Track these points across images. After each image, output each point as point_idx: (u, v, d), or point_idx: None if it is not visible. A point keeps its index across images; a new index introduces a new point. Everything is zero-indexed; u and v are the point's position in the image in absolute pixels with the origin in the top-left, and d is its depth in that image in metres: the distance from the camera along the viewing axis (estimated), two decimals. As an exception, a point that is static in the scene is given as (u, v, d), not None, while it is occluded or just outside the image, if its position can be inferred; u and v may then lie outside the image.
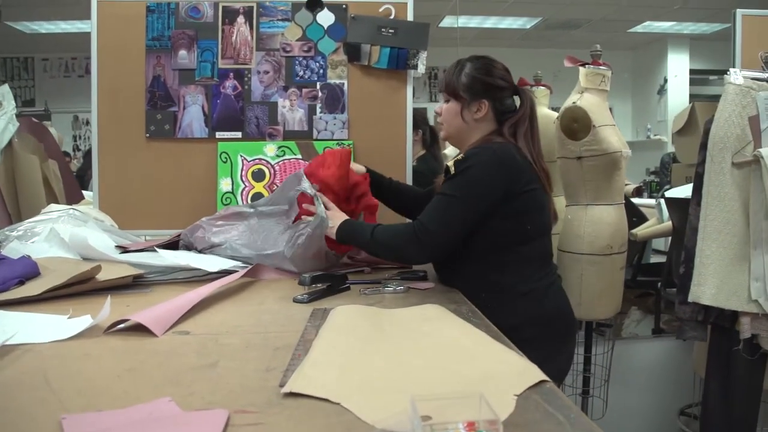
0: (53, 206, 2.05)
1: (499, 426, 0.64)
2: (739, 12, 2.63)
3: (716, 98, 1.99)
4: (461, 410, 0.69)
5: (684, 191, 2.67)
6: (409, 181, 2.40)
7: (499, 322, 1.23)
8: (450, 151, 7.82)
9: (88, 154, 6.17)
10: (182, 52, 2.31)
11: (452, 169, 1.58)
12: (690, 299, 1.89)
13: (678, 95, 9.41)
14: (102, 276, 1.45)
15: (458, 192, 1.56)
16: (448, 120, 1.76)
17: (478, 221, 1.58)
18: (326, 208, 1.71)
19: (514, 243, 1.63)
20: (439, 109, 1.79)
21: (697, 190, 1.96)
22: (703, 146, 1.94)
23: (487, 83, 1.71)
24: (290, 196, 1.79)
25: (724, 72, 1.97)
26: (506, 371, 0.91)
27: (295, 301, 1.39)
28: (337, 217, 1.70)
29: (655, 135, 9.50)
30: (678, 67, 9.57)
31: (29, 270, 1.47)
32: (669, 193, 2.89)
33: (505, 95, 1.73)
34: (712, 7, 7.57)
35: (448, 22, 7.81)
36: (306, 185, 1.75)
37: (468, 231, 1.58)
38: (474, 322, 1.19)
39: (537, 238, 1.68)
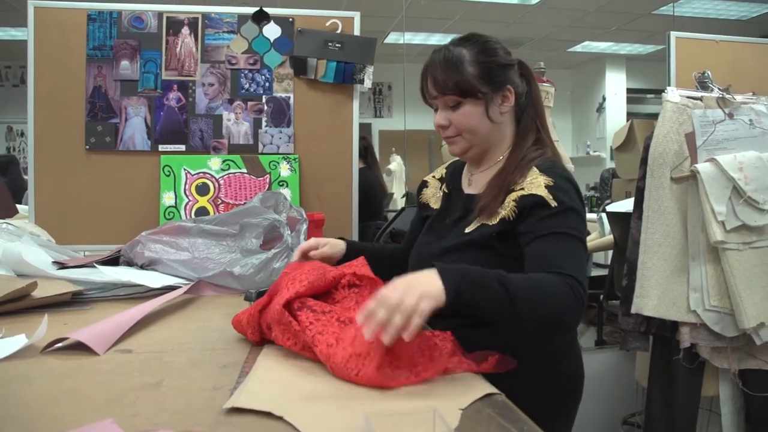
0: (-15, 221, 1.96)
1: (454, 441, 0.64)
2: (673, 34, 2.75)
3: (653, 116, 2.06)
4: (415, 426, 0.68)
5: (624, 205, 2.74)
6: (355, 195, 2.39)
7: (523, 384, 1.03)
8: (395, 167, 7.88)
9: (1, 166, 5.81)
10: (124, 63, 2.25)
11: (550, 200, 1.22)
12: (633, 311, 1.93)
13: (616, 113, 9.74)
14: (38, 293, 1.39)
15: (578, 232, 1.22)
16: (471, 127, 1.33)
17: None
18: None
19: None
20: (445, 120, 1.34)
21: (638, 204, 2.02)
22: (644, 161, 2.00)
23: (501, 64, 1.34)
24: (246, 223, 1.75)
25: (660, 91, 2.04)
26: (452, 385, 0.91)
27: (242, 317, 1.36)
28: (421, 277, 1.00)
29: (594, 151, 9.78)
30: (615, 86, 9.91)
31: (-42, 287, 1.40)
32: (610, 208, 2.96)
33: (515, 74, 1.37)
34: (647, 30, 7.88)
35: (393, 38, 7.89)
36: (274, 216, 1.72)
37: None
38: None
39: None
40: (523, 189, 1.25)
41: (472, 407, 0.82)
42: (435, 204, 1.50)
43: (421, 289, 0.95)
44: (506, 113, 1.36)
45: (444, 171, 1.57)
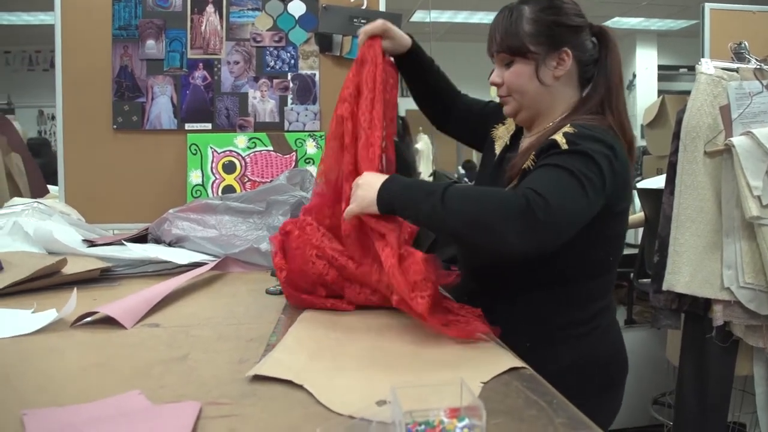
0: (17, 200, 1.99)
1: (482, 412, 0.63)
2: (708, 6, 2.67)
3: (685, 93, 2.00)
4: (441, 397, 0.67)
5: (656, 182, 2.69)
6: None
7: (538, 368, 0.90)
8: (422, 146, 7.85)
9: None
10: (150, 42, 2.25)
11: (563, 144, 1.11)
12: (664, 287, 1.90)
13: (647, 91, 9.55)
14: (68, 270, 1.40)
15: (579, 172, 1.06)
16: (520, 87, 1.25)
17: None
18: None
19: (589, 275, 1.24)
20: (499, 78, 1.28)
21: (671, 180, 1.97)
22: (676, 136, 1.95)
23: (563, 24, 1.23)
24: (273, 200, 1.75)
25: (692, 67, 1.98)
26: (477, 358, 0.90)
27: (268, 292, 1.36)
28: (370, 182, 1.12)
29: (624, 129, 9.61)
30: (646, 62, 9.71)
31: (-9, 264, 1.42)
32: (641, 184, 2.91)
33: (584, 38, 1.26)
34: (679, 4, 7.68)
35: (419, 16, 7.81)
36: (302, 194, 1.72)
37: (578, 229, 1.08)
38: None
39: (612, 271, 1.30)
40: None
41: (499, 380, 0.81)
42: (498, 146, 1.41)
43: (362, 200, 1.10)
44: (561, 77, 1.25)
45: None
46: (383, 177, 1.11)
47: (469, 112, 1.53)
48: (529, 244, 1.00)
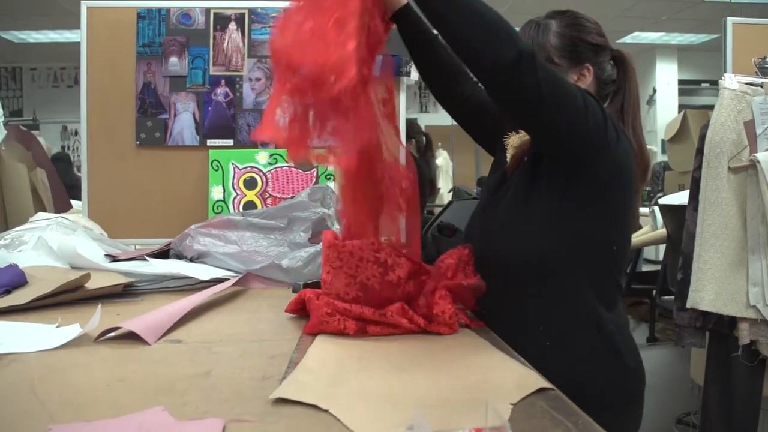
0: (41, 214, 2.02)
1: (508, 433, 0.62)
2: (730, 20, 2.65)
3: (706, 108, 1.99)
4: (467, 419, 0.67)
5: (678, 198, 2.67)
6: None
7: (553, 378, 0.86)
8: (441, 161, 7.85)
9: None
10: (173, 59, 2.28)
11: None
12: (688, 305, 1.88)
13: (667, 106, 9.51)
14: (91, 284, 1.41)
15: (583, 91, 1.14)
16: None
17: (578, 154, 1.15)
18: None
19: (596, 262, 1.23)
20: None
21: (694, 196, 1.95)
22: (699, 151, 1.94)
23: (586, 42, 1.30)
24: (294, 216, 1.76)
25: (713, 82, 1.97)
26: (504, 379, 0.89)
27: (290, 309, 1.36)
28: None
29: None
30: (667, 77, 9.67)
31: (16, 279, 1.43)
32: (663, 200, 2.88)
33: (604, 59, 1.33)
34: (700, 18, 7.65)
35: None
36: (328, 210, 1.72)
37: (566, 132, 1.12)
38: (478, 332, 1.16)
39: (618, 272, 1.30)
40: None
41: (524, 400, 0.80)
42: (510, 154, 1.41)
43: None
44: None
45: None
46: None
47: (483, 108, 1.50)
48: (513, 66, 1.04)
